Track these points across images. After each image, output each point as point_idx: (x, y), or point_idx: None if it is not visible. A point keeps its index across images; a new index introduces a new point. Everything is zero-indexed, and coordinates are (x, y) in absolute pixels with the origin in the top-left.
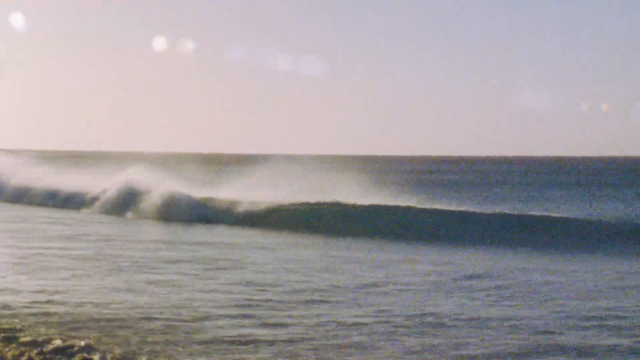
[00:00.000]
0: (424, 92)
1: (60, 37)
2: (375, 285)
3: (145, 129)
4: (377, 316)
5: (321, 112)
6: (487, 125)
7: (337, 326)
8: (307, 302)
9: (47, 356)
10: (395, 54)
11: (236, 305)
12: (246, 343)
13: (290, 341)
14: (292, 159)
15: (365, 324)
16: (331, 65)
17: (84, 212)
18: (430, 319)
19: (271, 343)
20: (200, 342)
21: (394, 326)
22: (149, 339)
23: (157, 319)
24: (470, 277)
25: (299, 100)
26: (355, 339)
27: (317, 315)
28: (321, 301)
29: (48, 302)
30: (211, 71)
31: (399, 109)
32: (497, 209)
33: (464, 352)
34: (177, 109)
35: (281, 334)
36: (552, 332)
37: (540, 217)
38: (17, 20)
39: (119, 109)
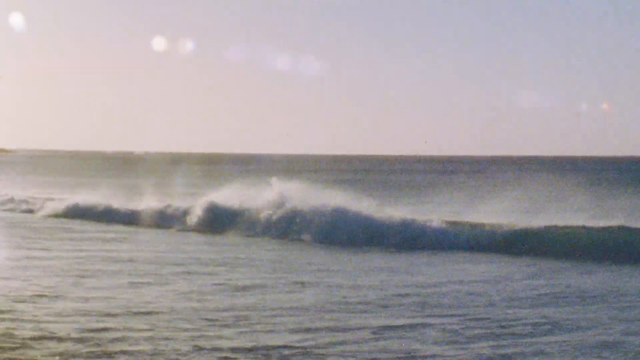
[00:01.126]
0: (424, 92)
1: (60, 37)
2: None
3: (145, 129)
4: None
5: (321, 112)
6: (487, 125)
7: None
8: None
9: None
10: (395, 54)
11: None
12: None
13: None
14: (293, 159)
15: None
16: (331, 65)
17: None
18: None
19: None
20: None
21: None
22: None
23: None
24: None
25: (299, 100)
26: None
27: None
28: None
29: None
30: (211, 71)
31: (398, 109)
32: None
33: None
34: (177, 109)
35: None
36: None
37: None
38: (17, 20)
39: (119, 109)
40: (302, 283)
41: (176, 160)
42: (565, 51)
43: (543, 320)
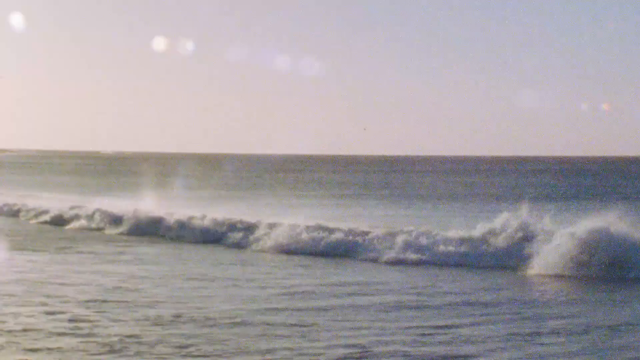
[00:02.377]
0: (424, 92)
1: (60, 37)
2: None
3: (145, 129)
4: None
5: (321, 112)
6: (487, 125)
7: None
8: None
9: None
10: (395, 54)
11: None
12: None
13: None
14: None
15: None
16: (331, 65)
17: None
18: None
19: None
20: None
21: None
22: None
23: None
24: None
25: (299, 100)
26: None
27: None
28: None
29: None
30: (211, 71)
31: (399, 109)
32: None
33: None
34: (177, 109)
35: None
36: None
37: None
38: (17, 20)
39: (119, 109)
40: None
41: (170, 160)
42: (565, 51)
43: None
